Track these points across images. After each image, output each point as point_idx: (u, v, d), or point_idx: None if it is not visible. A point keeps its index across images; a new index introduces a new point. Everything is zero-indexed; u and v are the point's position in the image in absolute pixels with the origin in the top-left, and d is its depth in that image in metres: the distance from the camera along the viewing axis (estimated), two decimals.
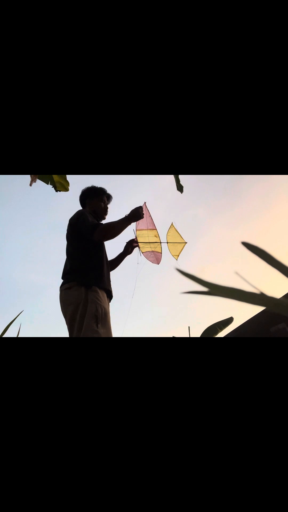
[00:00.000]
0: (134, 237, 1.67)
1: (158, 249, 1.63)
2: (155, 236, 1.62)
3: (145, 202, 1.67)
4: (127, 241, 1.69)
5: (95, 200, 1.63)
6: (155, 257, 1.64)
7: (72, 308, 1.24)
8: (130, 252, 1.67)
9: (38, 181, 1.26)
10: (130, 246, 1.66)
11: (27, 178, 0.98)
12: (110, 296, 1.43)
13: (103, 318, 1.25)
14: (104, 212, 1.63)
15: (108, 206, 1.68)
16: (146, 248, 1.63)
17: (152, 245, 1.60)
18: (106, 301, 1.35)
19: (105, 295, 1.35)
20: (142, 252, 1.65)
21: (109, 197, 1.68)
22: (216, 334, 2.60)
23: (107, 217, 1.69)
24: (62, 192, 1.43)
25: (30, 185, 1.25)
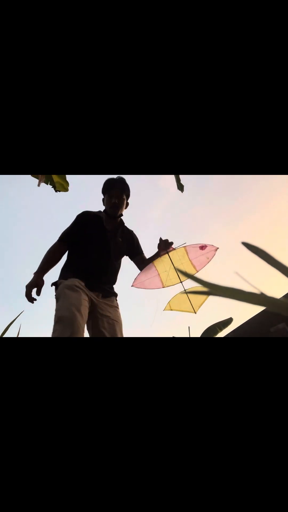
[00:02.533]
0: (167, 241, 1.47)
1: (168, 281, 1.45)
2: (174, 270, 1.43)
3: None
4: (160, 242, 1.48)
5: (105, 197, 1.54)
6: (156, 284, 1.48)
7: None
8: (161, 255, 1.48)
9: (38, 181, 1.26)
10: (163, 250, 1.47)
11: (27, 178, 0.98)
12: (96, 289, 1.37)
13: (63, 293, 1.23)
14: (112, 210, 1.49)
15: (121, 201, 1.50)
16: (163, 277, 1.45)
17: (167, 279, 1.43)
18: (73, 280, 1.30)
19: (74, 280, 1.30)
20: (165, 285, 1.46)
21: (119, 191, 1.50)
22: (216, 334, 2.60)
23: (126, 212, 1.55)
24: (62, 192, 1.43)
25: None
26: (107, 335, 1.29)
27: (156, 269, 1.46)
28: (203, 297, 1.43)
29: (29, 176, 1.22)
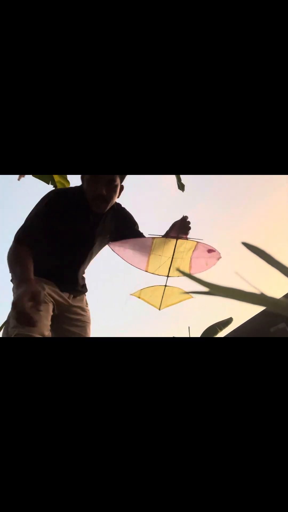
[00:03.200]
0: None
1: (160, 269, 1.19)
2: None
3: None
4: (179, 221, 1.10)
5: (86, 179, 1.09)
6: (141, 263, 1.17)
7: None
8: (170, 236, 1.10)
9: (39, 181, 1.26)
10: (176, 232, 1.09)
11: (27, 178, 0.99)
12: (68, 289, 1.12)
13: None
14: (97, 204, 1.05)
15: (112, 190, 1.05)
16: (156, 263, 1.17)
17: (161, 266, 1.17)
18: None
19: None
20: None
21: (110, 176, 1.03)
22: (216, 334, 2.60)
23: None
24: None
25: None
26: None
27: (152, 247, 1.13)
28: (179, 297, 1.24)
29: (29, 176, 1.22)
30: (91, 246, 1.16)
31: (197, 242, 1.15)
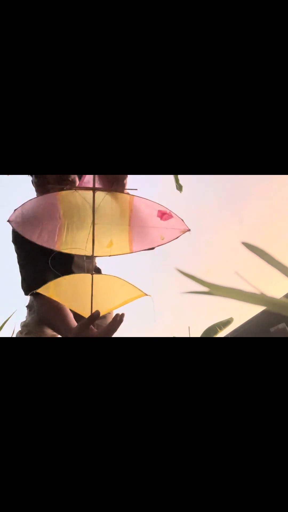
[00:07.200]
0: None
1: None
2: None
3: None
4: None
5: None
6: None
7: None
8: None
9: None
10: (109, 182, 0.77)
11: (27, 178, 0.98)
12: None
13: None
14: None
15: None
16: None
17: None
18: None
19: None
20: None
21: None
22: (216, 334, 2.60)
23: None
24: None
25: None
26: None
27: (60, 209, 0.69)
28: (125, 294, 0.75)
29: (29, 176, 1.22)
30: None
31: (133, 196, 0.71)
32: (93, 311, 0.70)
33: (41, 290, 0.72)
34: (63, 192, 0.69)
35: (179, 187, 1.61)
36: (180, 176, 1.57)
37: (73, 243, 0.70)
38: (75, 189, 0.69)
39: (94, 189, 0.69)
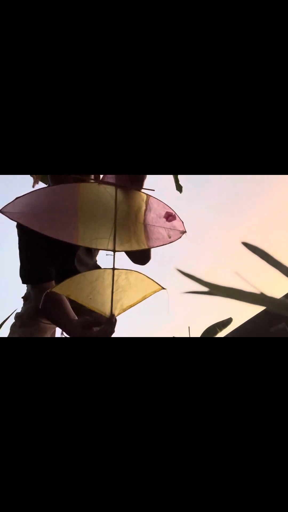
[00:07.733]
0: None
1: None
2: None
3: None
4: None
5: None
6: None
7: None
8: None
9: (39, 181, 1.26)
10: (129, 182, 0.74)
11: (27, 178, 0.98)
12: None
13: None
14: None
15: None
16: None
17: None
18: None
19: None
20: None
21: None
22: (216, 334, 2.60)
23: None
24: None
25: (33, 186, 1.24)
26: None
27: (78, 202, 0.66)
28: (145, 288, 0.73)
29: (29, 176, 1.22)
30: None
31: (149, 195, 0.75)
32: (113, 308, 0.68)
33: (56, 289, 0.66)
34: (85, 184, 0.68)
35: (179, 188, 1.60)
36: (180, 176, 1.57)
37: (94, 237, 0.68)
38: (99, 183, 0.69)
39: (116, 185, 0.70)
